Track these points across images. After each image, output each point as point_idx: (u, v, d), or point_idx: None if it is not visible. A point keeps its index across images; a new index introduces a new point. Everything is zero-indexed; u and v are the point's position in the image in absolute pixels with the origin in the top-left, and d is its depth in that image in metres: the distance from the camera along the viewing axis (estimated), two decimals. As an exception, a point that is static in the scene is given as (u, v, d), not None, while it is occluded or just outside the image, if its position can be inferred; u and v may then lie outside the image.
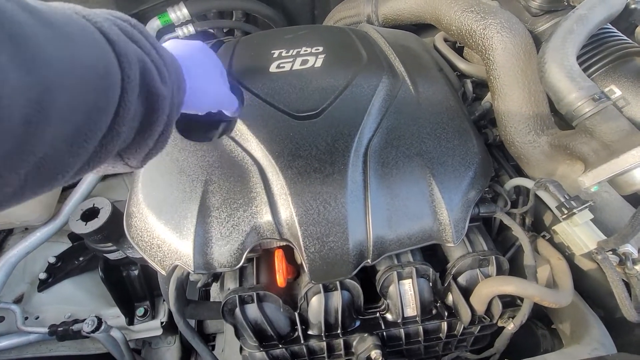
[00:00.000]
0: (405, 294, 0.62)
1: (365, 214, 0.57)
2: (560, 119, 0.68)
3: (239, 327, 0.61)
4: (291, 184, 0.57)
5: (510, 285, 0.54)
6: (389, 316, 0.64)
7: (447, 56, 0.83)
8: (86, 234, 0.67)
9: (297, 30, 0.81)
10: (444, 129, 0.65)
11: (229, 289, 0.61)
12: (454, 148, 0.63)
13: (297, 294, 0.62)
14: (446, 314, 0.63)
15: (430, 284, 0.63)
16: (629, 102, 0.57)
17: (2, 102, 0.18)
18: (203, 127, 0.57)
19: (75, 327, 0.71)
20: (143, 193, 0.60)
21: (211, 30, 1.15)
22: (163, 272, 0.58)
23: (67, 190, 0.88)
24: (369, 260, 0.58)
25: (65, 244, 0.87)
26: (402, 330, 0.63)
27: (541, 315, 0.76)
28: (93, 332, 0.66)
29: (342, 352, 0.63)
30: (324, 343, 0.62)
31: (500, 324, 0.64)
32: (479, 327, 0.63)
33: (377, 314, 0.64)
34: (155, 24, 1.01)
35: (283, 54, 0.74)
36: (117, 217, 0.71)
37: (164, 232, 0.57)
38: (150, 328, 0.86)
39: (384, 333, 0.63)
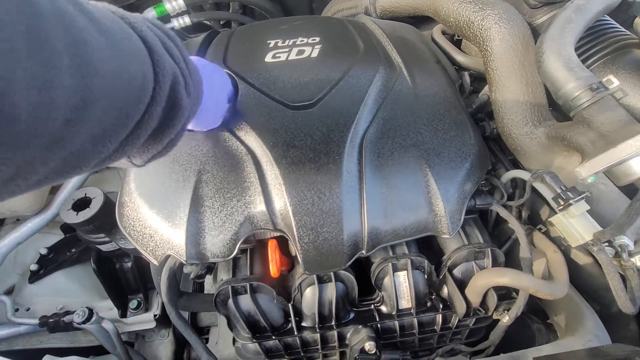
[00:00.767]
0: (400, 286, 0.61)
1: (360, 205, 0.56)
2: (559, 112, 0.68)
3: (231, 319, 0.60)
4: (285, 174, 0.56)
5: (506, 277, 0.53)
6: (383, 308, 0.64)
7: (445, 49, 0.83)
8: (77, 224, 0.66)
9: (293, 20, 0.81)
10: (441, 121, 0.65)
11: (222, 280, 0.61)
12: (451, 139, 0.62)
13: (291, 285, 0.61)
14: (441, 306, 0.63)
15: (426, 276, 0.63)
16: (626, 93, 0.56)
17: (53, 104, 0.19)
18: None
19: (67, 318, 0.70)
20: (135, 182, 0.59)
21: (207, 22, 1.14)
22: (155, 262, 0.57)
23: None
24: (363, 252, 0.57)
25: (57, 236, 0.86)
26: (396, 323, 0.62)
27: (536, 310, 0.76)
28: (84, 323, 0.65)
29: (336, 343, 0.62)
30: (318, 335, 0.61)
31: (495, 317, 0.63)
32: (474, 319, 0.62)
33: (372, 306, 0.64)
34: (150, 14, 1.00)
35: (279, 44, 0.73)
36: (109, 208, 0.70)
37: (156, 222, 0.56)
38: (143, 321, 0.86)
39: (378, 325, 0.63)
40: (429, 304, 0.64)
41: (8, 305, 0.73)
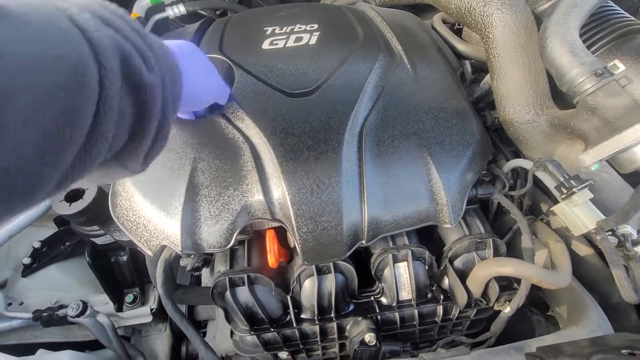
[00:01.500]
0: (401, 277, 0.60)
1: (360, 194, 0.55)
2: (561, 101, 0.67)
3: (229, 311, 0.59)
4: (283, 162, 0.54)
5: (509, 267, 0.52)
6: (383, 300, 0.63)
7: (445, 37, 0.82)
8: (70, 216, 0.65)
9: (291, 7, 0.79)
10: (442, 109, 0.63)
11: (219, 272, 0.59)
12: (452, 127, 0.61)
13: (290, 277, 0.60)
14: (442, 297, 0.62)
15: (426, 267, 0.62)
16: (631, 80, 0.55)
17: None
18: None
19: (61, 312, 0.69)
20: (129, 171, 0.57)
21: (203, 12, 1.11)
22: (150, 253, 0.55)
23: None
24: (363, 242, 0.56)
25: (50, 229, 0.85)
26: (396, 314, 0.61)
27: (537, 302, 0.76)
28: (78, 316, 0.64)
29: (336, 335, 0.61)
30: (317, 327, 0.60)
31: (496, 308, 0.63)
32: (475, 310, 0.61)
33: (372, 298, 0.63)
34: (144, 2, 0.97)
35: (276, 31, 0.71)
36: (103, 199, 0.68)
37: (150, 211, 0.55)
38: (139, 315, 0.84)
39: (379, 317, 0.62)
40: (429, 295, 0.63)
41: (0, 299, 0.72)
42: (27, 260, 0.78)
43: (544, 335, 0.54)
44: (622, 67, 0.50)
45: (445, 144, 0.60)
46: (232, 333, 0.63)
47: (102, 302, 0.83)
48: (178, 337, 0.92)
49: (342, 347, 0.63)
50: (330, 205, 0.54)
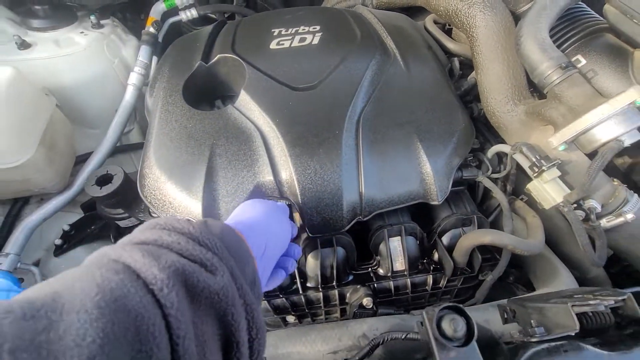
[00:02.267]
0: (395, 250, 0.68)
1: (358, 174, 0.63)
2: (538, 93, 0.74)
3: (243, 280, 0.67)
4: (290, 147, 0.62)
5: (488, 236, 0.60)
6: (380, 271, 0.70)
7: (436, 37, 0.89)
8: (100, 198, 0.73)
9: (296, 11, 0.87)
10: (431, 101, 0.71)
11: (234, 245, 0.67)
12: (440, 117, 0.69)
13: (297, 250, 0.68)
14: (432, 268, 0.69)
15: (418, 241, 0.69)
16: (597, 73, 0.63)
17: None
18: None
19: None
20: (155, 156, 0.65)
21: (212, 15, 1.19)
22: (174, 227, 0.63)
23: (79, 163, 0.93)
24: (361, 217, 0.64)
25: (77, 214, 0.93)
26: (391, 283, 0.69)
27: (524, 282, 0.83)
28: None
29: (337, 302, 0.69)
30: (321, 294, 0.68)
31: (481, 278, 0.70)
32: (462, 278, 0.69)
33: (369, 269, 0.70)
34: (160, 7, 1.06)
35: (283, 32, 0.79)
36: (128, 184, 0.76)
37: (175, 191, 0.62)
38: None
39: (375, 285, 0.69)
40: (420, 266, 0.70)
41: (37, 274, 0.80)
42: (58, 242, 0.86)
43: (521, 295, 0.62)
44: (584, 61, 0.57)
45: (433, 131, 0.67)
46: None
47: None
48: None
49: (343, 312, 0.71)
50: (331, 184, 0.61)
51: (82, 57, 0.88)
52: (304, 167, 0.61)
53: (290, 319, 0.71)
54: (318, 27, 0.79)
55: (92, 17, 0.97)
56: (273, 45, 0.77)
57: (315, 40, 0.77)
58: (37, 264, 0.87)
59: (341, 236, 0.66)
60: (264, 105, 0.67)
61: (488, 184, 0.71)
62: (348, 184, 0.62)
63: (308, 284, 0.69)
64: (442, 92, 0.73)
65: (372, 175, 0.63)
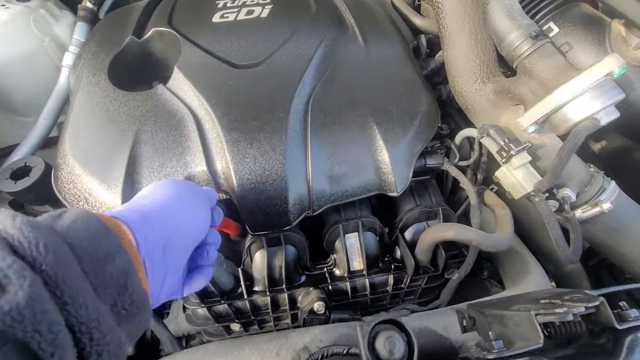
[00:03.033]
0: (352, 248, 0.61)
1: (305, 162, 0.55)
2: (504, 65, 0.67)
3: (179, 284, 0.59)
4: (226, 132, 0.54)
5: (450, 231, 0.53)
6: (336, 271, 0.63)
7: (403, 12, 0.81)
8: (17, 193, 0.63)
9: (246, -19, 0.78)
10: (391, 80, 0.63)
11: (167, 245, 0.59)
12: (400, 97, 0.61)
13: (241, 250, 0.60)
14: (393, 267, 0.62)
15: (377, 237, 0.62)
16: (572, 46, 0.56)
17: None
18: None
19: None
20: (70, 144, 0.56)
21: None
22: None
23: (3, 157, 0.83)
24: (310, 211, 0.56)
25: (6, 213, 0.83)
26: (348, 284, 0.62)
27: (500, 278, 0.77)
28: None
29: (287, 307, 0.61)
30: (268, 298, 0.60)
31: (447, 276, 0.64)
32: (426, 278, 0.62)
33: (324, 269, 0.63)
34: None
35: (228, 5, 0.70)
36: (50, 178, 0.67)
37: (91, 184, 0.54)
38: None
39: (330, 287, 0.62)
40: (381, 265, 0.63)
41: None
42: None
43: (485, 298, 0.55)
44: (556, 29, 0.50)
45: (392, 113, 0.60)
46: (184, 307, 0.63)
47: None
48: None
49: (294, 318, 0.63)
50: (274, 174, 0.53)
51: (3, 33, 0.78)
52: (242, 155, 0.53)
53: (235, 327, 0.63)
54: (268, -1, 0.71)
55: (21, -11, 0.86)
56: (216, 18, 0.68)
57: (264, 13, 0.68)
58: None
59: (291, 233, 0.58)
60: (199, 85, 0.58)
61: (455, 172, 0.64)
62: (293, 173, 0.54)
63: (255, 288, 0.61)
64: (403, 71, 0.65)
65: (321, 163, 0.56)
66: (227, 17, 0.68)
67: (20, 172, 0.65)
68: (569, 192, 0.53)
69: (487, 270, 0.77)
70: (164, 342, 0.61)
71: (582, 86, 0.44)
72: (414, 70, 0.66)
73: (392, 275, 0.62)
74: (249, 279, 0.60)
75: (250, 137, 0.54)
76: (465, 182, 0.62)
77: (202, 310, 0.60)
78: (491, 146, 0.55)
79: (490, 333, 0.36)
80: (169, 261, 0.34)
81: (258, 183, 0.53)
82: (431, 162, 0.63)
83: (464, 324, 0.42)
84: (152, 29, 0.67)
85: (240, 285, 0.60)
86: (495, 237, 0.53)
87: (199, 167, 0.54)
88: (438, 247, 0.59)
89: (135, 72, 0.67)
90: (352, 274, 0.61)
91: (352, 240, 0.61)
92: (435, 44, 0.80)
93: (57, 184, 0.57)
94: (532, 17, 0.61)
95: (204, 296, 0.59)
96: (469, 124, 0.72)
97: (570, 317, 0.33)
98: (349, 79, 0.62)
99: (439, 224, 0.59)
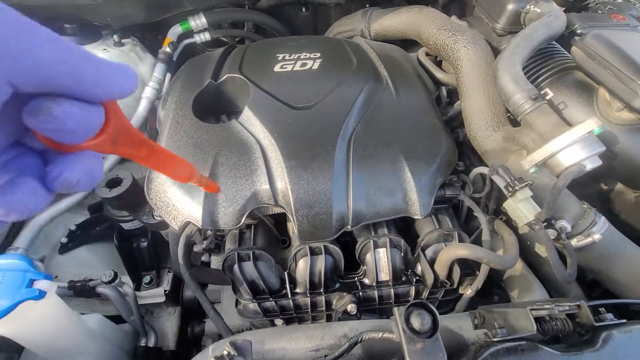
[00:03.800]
0: (380, 261, 0.72)
1: (347, 187, 0.68)
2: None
3: (236, 282, 0.71)
4: (286, 159, 0.68)
5: (464, 250, 0.64)
6: (365, 280, 0.74)
7: (427, 67, 0.97)
8: (108, 199, 0.78)
9: (300, 39, 0.96)
10: (417, 124, 0.78)
11: (229, 249, 0.72)
12: (425, 139, 0.75)
13: (287, 258, 0.73)
14: (414, 280, 0.73)
15: (402, 253, 0.74)
16: (567, 105, 0.70)
17: None
18: None
19: (92, 283, 0.81)
20: (163, 162, 0.71)
21: (224, 39, 1.30)
22: (176, 228, 0.68)
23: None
24: (349, 227, 0.69)
25: (84, 216, 0.98)
26: (376, 292, 0.73)
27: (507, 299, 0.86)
28: (109, 283, 0.76)
29: (324, 308, 0.72)
30: (308, 299, 0.72)
31: (461, 291, 0.74)
32: (442, 291, 0.73)
33: (355, 278, 0.74)
34: (177, 29, 1.15)
35: (286, 58, 0.88)
36: (136, 188, 0.82)
37: (179, 194, 0.68)
38: (154, 295, 0.96)
39: (360, 294, 0.73)
40: (404, 278, 0.74)
41: (42, 269, 0.84)
42: (64, 240, 0.91)
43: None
44: (551, 93, 0.64)
45: (418, 152, 0.73)
46: (237, 302, 0.75)
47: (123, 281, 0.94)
48: (185, 320, 1.03)
49: (329, 318, 0.74)
50: (322, 195, 0.67)
51: (103, 71, 0.97)
52: (298, 178, 0.67)
53: (279, 322, 0.74)
54: (318, 54, 0.87)
55: (115, 36, 1.07)
56: (277, 68, 0.85)
57: (315, 66, 0.85)
58: (42, 260, 0.91)
59: (330, 245, 0.70)
60: (264, 121, 0.73)
61: (469, 202, 0.76)
62: (338, 195, 0.67)
63: (297, 290, 0.73)
64: (428, 117, 0.80)
65: (360, 189, 0.69)
66: (286, 67, 0.85)
67: (113, 182, 0.80)
68: (565, 224, 0.65)
69: (497, 296, 0.87)
70: (220, 330, 0.72)
71: (571, 139, 0.57)
72: (436, 117, 0.80)
73: (413, 287, 0.73)
74: (293, 282, 0.72)
75: (305, 164, 0.68)
76: (477, 211, 0.73)
77: (253, 305, 0.72)
78: (500, 182, 0.68)
79: (495, 324, 0.47)
80: None
81: (309, 201, 0.67)
82: (449, 192, 0.76)
83: (475, 322, 0.53)
84: (226, 75, 0.84)
85: (285, 287, 0.72)
86: (502, 256, 0.64)
87: (264, 185, 0.68)
88: (454, 264, 0.70)
89: (213, 108, 0.84)
90: (379, 284, 0.73)
91: (381, 254, 0.73)
92: (454, 94, 0.95)
93: (149, 193, 0.71)
94: (534, 81, 0.75)
95: (255, 293, 0.71)
96: (482, 163, 0.85)
97: (556, 311, 0.44)
98: (383, 121, 0.77)
99: (455, 243, 0.70)
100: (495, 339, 0.44)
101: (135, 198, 0.82)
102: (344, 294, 0.72)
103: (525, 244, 0.75)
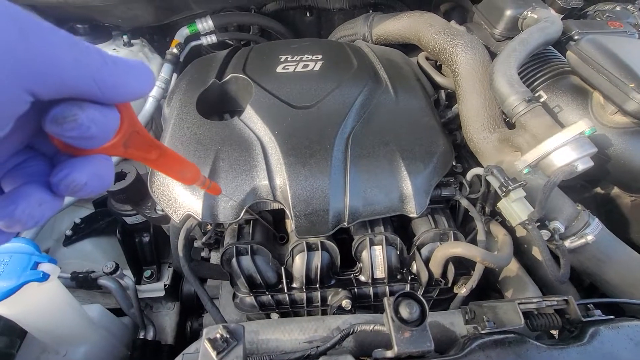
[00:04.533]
0: (376, 258, 0.74)
1: (344, 184, 0.70)
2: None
3: (233, 275, 0.73)
4: (286, 156, 0.70)
5: (459, 248, 0.66)
6: (361, 277, 0.75)
7: (426, 71, 0.99)
8: (113, 192, 0.81)
9: (302, 41, 0.98)
10: (415, 125, 0.79)
11: (228, 243, 0.74)
12: (422, 139, 0.77)
13: (285, 253, 0.74)
14: (409, 278, 0.74)
15: (397, 252, 0.75)
16: (562, 108, 0.71)
17: None
18: None
19: (94, 274, 0.83)
20: (166, 157, 0.74)
21: (230, 42, 1.33)
22: (177, 220, 0.70)
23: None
24: (345, 223, 0.70)
25: (88, 209, 1.01)
26: (371, 289, 0.74)
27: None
28: (111, 274, 0.78)
29: (319, 303, 0.74)
30: (304, 294, 0.73)
31: (455, 290, 0.75)
32: (437, 289, 0.73)
33: (351, 275, 0.75)
34: (184, 31, 1.19)
35: (288, 59, 0.90)
36: (139, 183, 0.84)
37: (180, 188, 0.70)
38: (154, 289, 0.98)
39: (356, 291, 0.74)
40: (399, 276, 0.75)
41: (46, 260, 0.86)
42: (69, 233, 0.93)
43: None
44: (545, 96, 0.65)
45: (415, 151, 0.75)
46: (234, 296, 0.76)
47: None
48: (184, 316, 1.05)
49: (324, 313, 0.75)
50: (319, 191, 0.68)
51: (112, 70, 1.00)
52: (296, 174, 0.69)
53: (274, 316, 0.76)
54: (320, 56, 0.90)
55: (125, 37, 1.10)
56: (279, 69, 0.87)
57: (317, 67, 0.87)
58: (47, 251, 0.93)
59: (327, 242, 0.72)
60: (265, 119, 0.75)
61: (465, 202, 0.77)
62: (335, 192, 0.69)
63: (293, 285, 0.74)
64: (425, 119, 0.81)
65: (356, 186, 0.70)
66: (288, 68, 0.87)
67: (117, 176, 0.83)
68: (558, 225, 0.66)
69: (492, 298, 0.87)
70: (217, 322, 0.73)
71: (563, 140, 0.58)
72: (434, 119, 0.81)
73: (408, 285, 0.74)
74: (289, 277, 0.74)
75: (303, 161, 0.70)
76: (473, 211, 0.74)
77: (249, 299, 0.73)
78: (494, 182, 0.69)
79: (484, 317, 0.48)
80: None
81: (306, 197, 0.68)
82: (445, 192, 0.77)
83: (466, 317, 0.54)
84: (230, 75, 0.86)
85: (282, 281, 0.73)
86: (496, 255, 0.65)
87: (263, 181, 0.70)
88: (448, 262, 0.71)
89: (217, 106, 0.86)
90: (374, 281, 0.74)
91: (377, 251, 0.74)
92: (452, 97, 0.97)
93: (152, 186, 0.73)
94: (530, 85, 0.77)
95: (252, 287, 0.73)
96: (478, 164, 0.86)
97: (544, 305, 0.45)
98: (381, 122, 0.79)
99: (449, 242, 0.71)
100: (483, 332, 0.45)
101: (139, 192, 0.84)
102: (340, 290, 0.73)
103: (522, 247, 0.76)
